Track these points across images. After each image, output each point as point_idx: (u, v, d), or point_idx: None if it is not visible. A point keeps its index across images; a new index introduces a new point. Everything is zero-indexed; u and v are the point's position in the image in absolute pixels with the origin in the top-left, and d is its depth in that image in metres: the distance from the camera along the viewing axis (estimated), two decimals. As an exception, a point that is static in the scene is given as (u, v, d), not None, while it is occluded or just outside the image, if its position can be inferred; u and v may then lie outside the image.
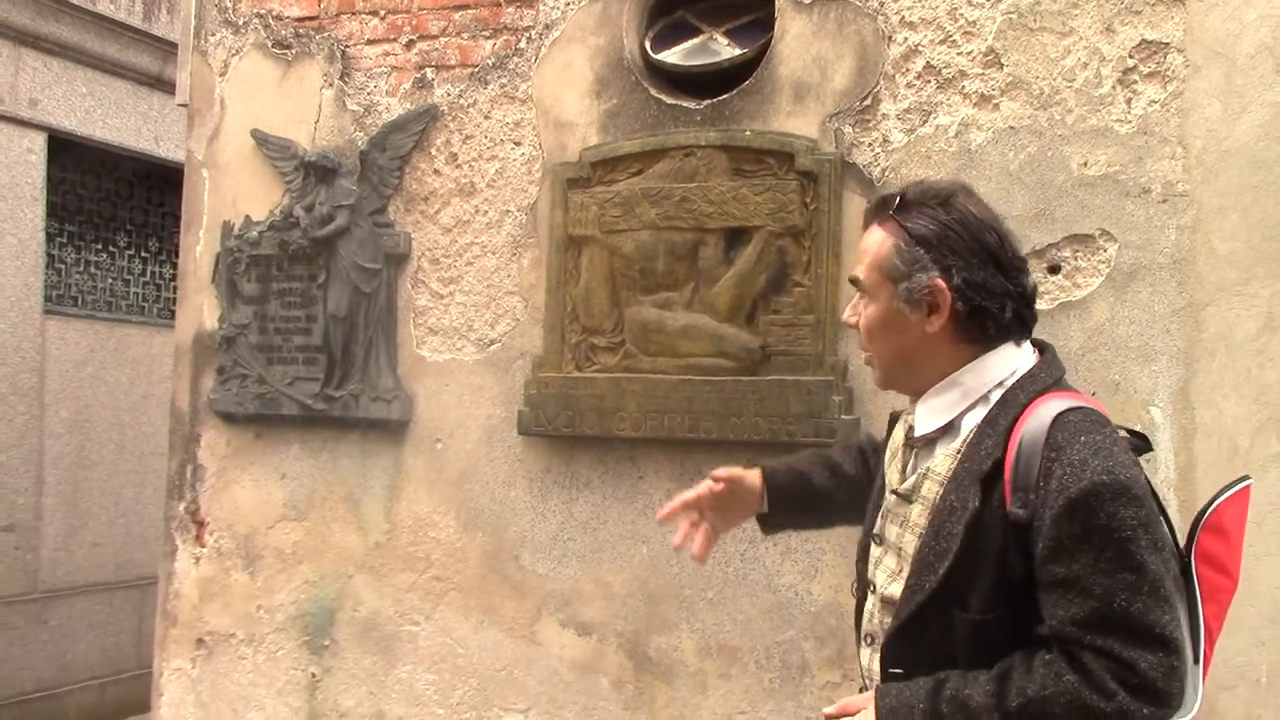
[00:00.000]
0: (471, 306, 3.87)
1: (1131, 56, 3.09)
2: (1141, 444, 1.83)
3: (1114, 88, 3.10)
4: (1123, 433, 1.80)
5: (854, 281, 1.85)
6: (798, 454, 2.30)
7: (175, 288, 7.28)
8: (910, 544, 1.78)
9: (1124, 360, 3.05)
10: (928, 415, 1.83)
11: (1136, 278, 3.05)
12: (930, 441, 1.83)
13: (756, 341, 3.40)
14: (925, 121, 3.30)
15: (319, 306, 4.05)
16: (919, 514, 1.78)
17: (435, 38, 3.98)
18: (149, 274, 7.42)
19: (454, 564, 3.85)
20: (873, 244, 1.81)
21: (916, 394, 1.85)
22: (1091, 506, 1.59)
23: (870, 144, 3.35)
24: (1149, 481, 1.75)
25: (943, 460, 1.79)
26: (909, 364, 1.82)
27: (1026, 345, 1.83)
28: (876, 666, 1.82)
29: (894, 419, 2.06)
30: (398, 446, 3.96)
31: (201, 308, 4.33)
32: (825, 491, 2.21)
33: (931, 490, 1.78)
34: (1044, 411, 1.69)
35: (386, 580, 3.96)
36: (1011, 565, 1.66)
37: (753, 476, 2.19)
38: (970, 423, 1.78)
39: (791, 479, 2.22)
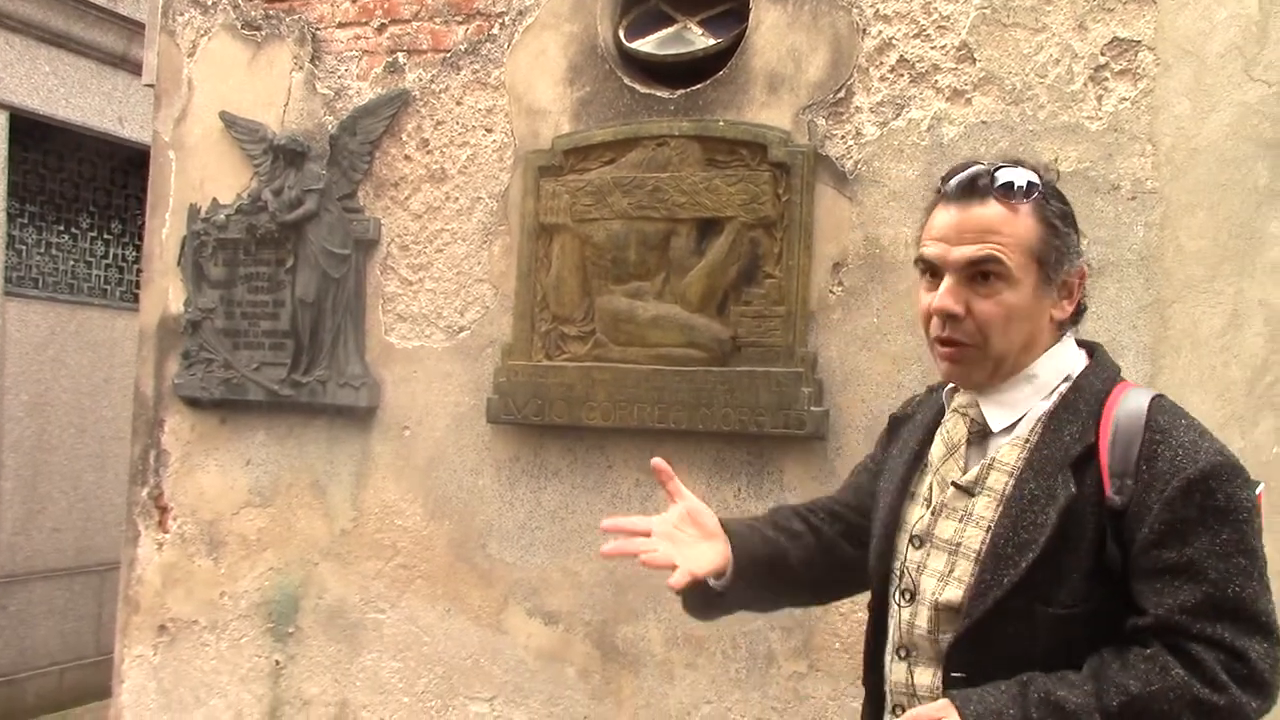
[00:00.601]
0: (441, 293, 3.85)
1: (1103, 54, 3.10)
2: None
3: (1085, 84, 3.11)
4: None
5: (985, 260, 1.66)
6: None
7: (138, 270, 7.20)
8: (974, 538, 1.67)
9: (1091, 355, 3.07)
10: (1000, 409, 1.73)
11: (1104, 274, 3.06)
12: (984, 434, 1.75)
13: (727, 332, 3.39)
14: (898, 115, 3.30)
15: (286, 291, 4.02)
16: (984, 506, 1.67)
17: (407, 22, 3.95)
18: (111, 256, 7.33)
19: (421, 552, 3.84)
20: (1004, 223, 1.66)
21: (981, 387, 1.75)
22: (1210, 487, 1.53)
23: (843, 136, 3.35)
24: None
25: (1009, 450, 1.69)
26: (1027, 352, 1.70)
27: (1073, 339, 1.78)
28: (924, 679, 1.71)
29: (895, 421, 1.98)
30: (365, 433, 3.93)
31: (166, 291, 4.28)
32: (777, 546, 1.95)
33: (1000, 481, 1.67)
34: (1136, 396, 1.65)
35: (352, 568, 3.94)
36: (1110, 555, 1.57)
37: (711, 516, 1.88)
38: (1036, 412, 1.70)
39: (746, 530, 1.95)
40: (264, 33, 4.17)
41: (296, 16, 4.12)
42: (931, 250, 1.71)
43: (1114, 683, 1.51)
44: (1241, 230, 2.97)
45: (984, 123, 3.21)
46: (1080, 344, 1.77)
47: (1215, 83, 3.00)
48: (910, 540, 1.77)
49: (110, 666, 4.39)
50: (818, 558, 1.98)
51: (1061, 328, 1.74)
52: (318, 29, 4.08)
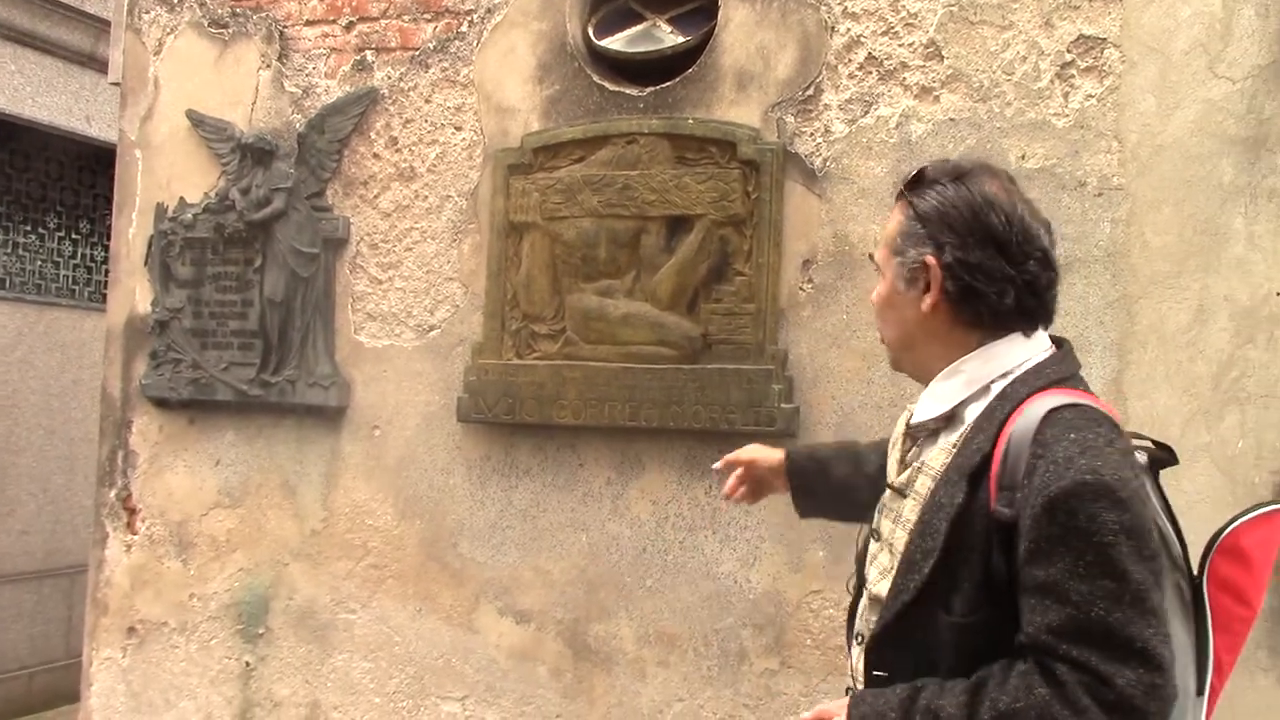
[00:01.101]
0: (411, 292, 3.83)
1: (1069, 51, 3.11)
2: (1166, 456, 1.73)
3: (1052, 81, 3.13)
4: (1147, 443, 1.72)
5: (871, 258, 1.86)
6: (829, 442, 2.33)
7: (107, 270, 7.13)
8: (900, 540, 1.71)
9: (1059, 351, 3.08)
10: (927, 403, 1.77)
11: (1072, 270, 3.08)
12: (934, 433, 1.76)
13: (697, 330, 3.39)
14: (867, 112, 3.31)
15: (255, 291, 3.99)
16: (910, 509, 1.71)
17: (375, 20, 3.93)
18: (80, 256, 7.27)
19: (391, 552, 3.82)
20: (889, 223, 1.80)
21: (924, 380, 1.80)
22: (1072, 507, 1.51)
23: (812, 134, 3.36)
24: (1160, 491, 1.68)
25: (938, 454, 1.72)
26: (910, 345, 1.78)
27: (1041, 338, 1.73)
28: (863, 667, 1.75)
29: None
30: (335, 433, 3.91)
31: (134, 291, 4.25)
32: (846, 485, 2.15)
33: (925, 485, 1.70)
34: (1037, 406, 1.61)
35: (323, 568, 3.91)
36: (995, 566, 1.58)
37: (773, 460, 2.25)
38: (972, 415, 1.70)
39: (812, 467, 2.21)
40: (231, 31, 4.14)
41: (264, 14, 4.09)
42: None
43: (989, 696, 1.53)
44: (1206, 226, 2.99)
45: (952, 120, 3.22)
46: (1056, 343, 1.75)
47: (1180, 79, 3.02)
48: (872, 533, 1.83)
49: (80, 670, 4.35)
50: None
51: (972, 326, 1.71)
52: (285, 27, 4.06)
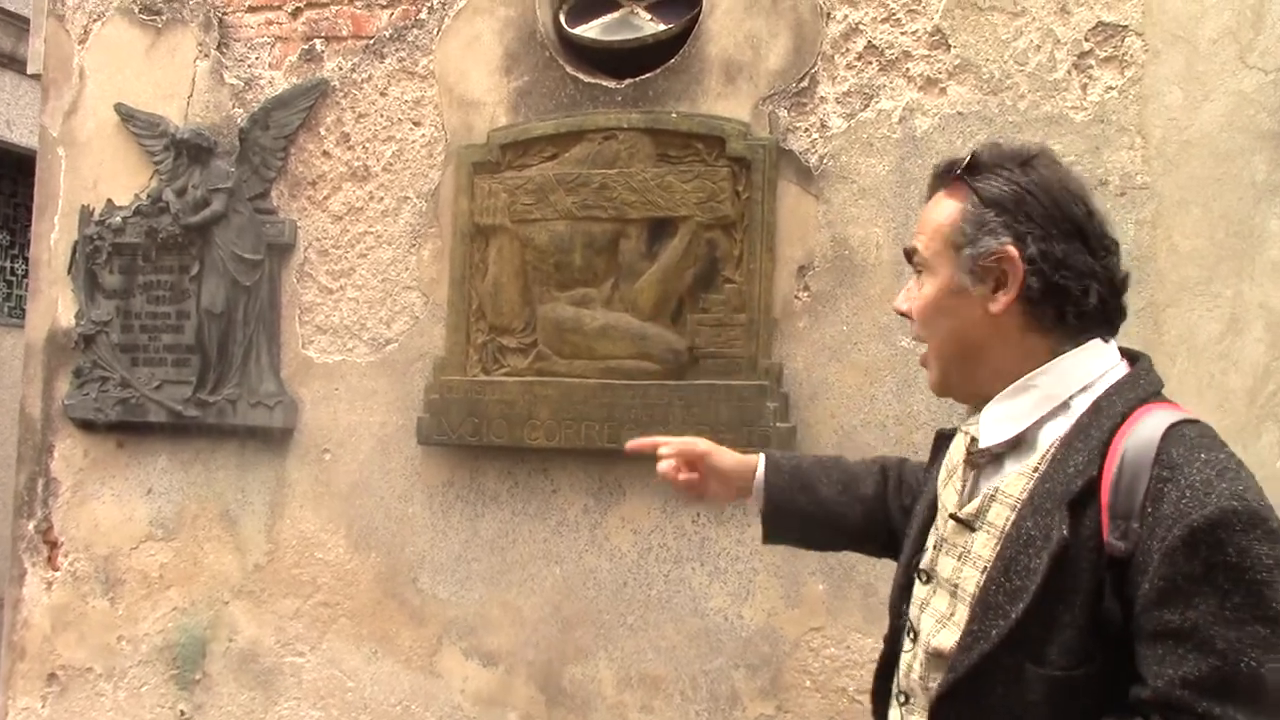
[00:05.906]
0: (365, 302, 3.59)
1: (1087, 39, 2.94)
2: None
3: (1069, 72, 2.95)
4: None
5: (910, 253, 1.58)
6: (810, 456, 2.03)
7: (28, 283, 6.77)
8: (971, 580, 1.49)
9: (1080, 364, 2.87)
10: (996, 424, 1.53)
11: (1094, 275, 2.87)
12: (998, 458, 1.54)
13: (683, 343, 3.20)
14: (867, 105, 3.10)
15: (191, 301, 3.78)
16: (983, 544, 1.49)
17: (325, 6, 3.70)
18: (-1, 269, 6.91)
19: (344, 588, 3.56)
20: (936, 211, 1.56)
21: (976, 399, 1.57)
22: (1219, 539, 1.31)
23: (807, 129, 3.14)
24: None
25: (1015, 480, 1.49)
26: (968, 355, 1.54)
27: (1113, 347, 1.53)
28: None
29: (940, 437, 1.77)
30: (281, 457, 3.67)
31: (56, 302, 3.98)
32: (833, 508, 1.92)
33: (1001, 515, 1.48)
34: (1152, 422, 1.41)
35: (267, 607, 3.65)
36: (1106, 610, 1.37)
37: (740, 463, 1.97)
38: (1050, 435, 1.48)
39: (795, 483, 1.95)
40: (164, 17, 3.87)
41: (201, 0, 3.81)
42: None
43: None
44: (1239, 228, 2.82)
45: (960, 114, 3.02)
46: (1125, 354, 1.54)
47: (1208, 70, 2.86)
48: (918, 574, 1.61)
49: (-7, 719, 4.02)
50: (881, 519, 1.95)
51: (1048, 330, 1.50)
52: (225, 13, 3.81)
